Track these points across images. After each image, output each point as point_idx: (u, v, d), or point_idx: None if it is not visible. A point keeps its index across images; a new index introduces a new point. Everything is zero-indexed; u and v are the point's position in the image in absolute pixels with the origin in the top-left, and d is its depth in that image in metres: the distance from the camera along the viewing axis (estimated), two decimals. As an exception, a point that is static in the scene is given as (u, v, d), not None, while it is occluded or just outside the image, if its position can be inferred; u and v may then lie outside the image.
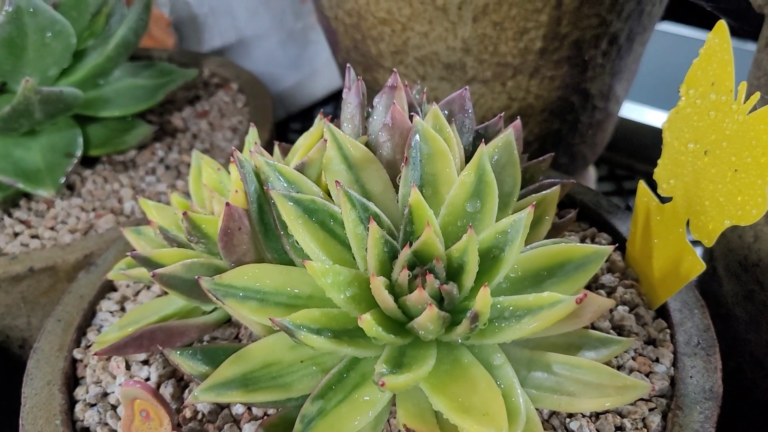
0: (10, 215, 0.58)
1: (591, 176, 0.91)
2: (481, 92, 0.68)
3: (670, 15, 1.10)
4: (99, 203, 0.59)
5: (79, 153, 0.60)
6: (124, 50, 0.61)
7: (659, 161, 0.44)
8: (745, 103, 0.37)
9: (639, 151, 0.95)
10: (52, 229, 0.57)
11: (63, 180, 0.58)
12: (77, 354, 0.42)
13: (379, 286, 0.32)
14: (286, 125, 1.06)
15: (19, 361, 0.58)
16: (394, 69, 0.41)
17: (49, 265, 0.53)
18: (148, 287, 0.46)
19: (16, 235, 0.57)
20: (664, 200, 0.43)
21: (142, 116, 0.67)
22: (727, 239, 0.56)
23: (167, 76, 0.67)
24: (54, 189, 0.57)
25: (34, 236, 0.57)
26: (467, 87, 0.41)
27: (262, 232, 0.36)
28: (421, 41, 0.65)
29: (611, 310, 0.41)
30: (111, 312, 0.45)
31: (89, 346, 0.43)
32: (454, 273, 0.34)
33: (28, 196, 0.60)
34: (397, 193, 0.37)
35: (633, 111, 0.97)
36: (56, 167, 0.58)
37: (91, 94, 0.63)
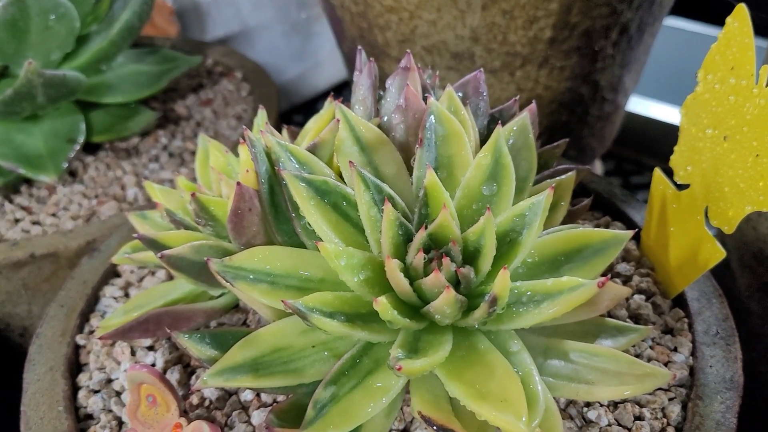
0: (11, 201, 0.57)
1: (598, 170, 0.91)
2: (489, 82, 0.67)
3: (678, 10, 1.09)
4: (101, 190, 0.58)
5: (81, 139, 0.59)
6: (128, 35, 0.60)
7: (675, 148, 0.43)
8: (767, 87, 0.36)
9: (646, 146, 0.94)
10: (53, 215, 0.56)
11: (65, 165, 0.57)
12: (80, 340, 0.41)
13: (394, 268, 0.31)
14: (289, 117, 1.05)
15: (19, 350, 0.57)
16: (408, 51, 0.40)
17: (51, 251, 0.52)
18: (153, 273, 0.45)
19: (17, 221, 0.56)
20: (680, 188, 0.42)
21: (146, 103, 0.66)
22: (742, 232, 0.55)
23: (171, 62, 0.66)
24: (56, 174, 0.56)
25: (36, 222, 0.56)
26: (482, 69, 0.40)
27: (272, 214, 0.35)
28: (429, 30, 0.64)
29: (627, 299, 0.40)
30: (115, 298, 0.44)
31: (92, 332, 0.42)
32: (470, 257, 0.33)
33: (29, 182, 0.59)
34: (410, 175, 0.37)
35: (640, 105, 0.97)
36: (58, 153, 0.57)
37: (94, 79, 0.62)
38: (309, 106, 1.07)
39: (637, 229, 0.43)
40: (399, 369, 0.28)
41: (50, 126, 0.59)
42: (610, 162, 0.96)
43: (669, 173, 0.43)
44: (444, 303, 0.31)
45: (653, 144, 0.94)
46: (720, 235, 0.62)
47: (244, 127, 0.35)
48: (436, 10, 0.62)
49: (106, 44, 0.59)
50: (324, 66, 1.03)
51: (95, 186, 0.59)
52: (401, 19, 0.64)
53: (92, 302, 0.44)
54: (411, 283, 0.32)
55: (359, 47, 0.43)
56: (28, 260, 0.52)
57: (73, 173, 0.60)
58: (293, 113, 1.06)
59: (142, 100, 0.65)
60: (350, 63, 0.76)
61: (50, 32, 0.54)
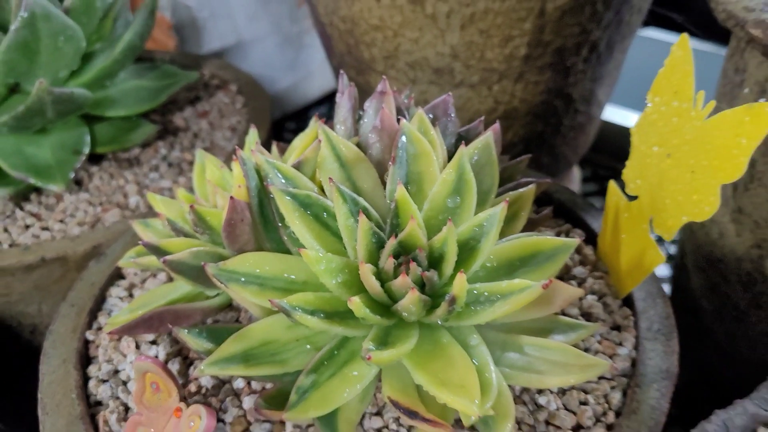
0: (21, 208, 0.62)
1: (575, 177, 0.95)
2: (468, 96, 0.72)
3: (653, 21, 1.14)
4: (105, 198, 0.63)
5: (86, 150, 0.63)
6: (131, 53, 0.65)
7: (627, 162, 0.48)
8: (702, 110, 0.41)
9: (622, 154, 0.98)
10: (61, 221, 0.61)
11: (72, 175, 0.61)
12: (90, 336, 0.46)
13: (367, 272, 0.36)
14: (281, 125, 1.09)
15: (29, 346, 0.62)
16: (384, 76, 0.45)
17: (60, 255, 0.56)
18: (155, 275, 0.50)
19: (27, 227, 0.60)
20: (631, 198, 0.46)
21: (146, 116, 0.71)
22: (696, 236, 0.60)
23: (170, 78, 0.70)
24: (63, 184, 0.60)
25: (45, 228, 0.60)
26: (450, 93, 0.45)
27: (262, 224, 0.40)
28: (412, 47, 0.69)
29: (581, 299, 0.45)
30: (120, 298, 0.49)
31: (100, 329, 0.47)
32: (435, 262, 0.38)
33: (38, 191, 0.63)
34: (385, 189, 0.41)
35: (616, 114, 1.01)
36: (65, 163, 0.61)
37: (98, 94, 0.66)
38: (301, 114, 1.11)
39: (591, 238, 0.47)
40: (369, 358, 0.33)
41: (58, 138, 0.63)
42: (588, 169, 1.01)
43: (622, 184, 0.48)
44: (410, 302, 0.35)
45: (629, 152, 0.98)
46: (680, 241, 0.67)
47: (236, 146, 0.40)
48: (418, 29, 0.66)
49: (110, 63, 0.64)
50: (315, 76, 1.08)
51: (100, 194, 0.63)
52: (386, 37, 0.69)
53: (99, 302, 0.49)
54: (382, 285, 0.37)
55: (341, 71, 0.47)
56: (39, 263, 0.56)
57: (78, 182, 0.64)
58: (286, 121, 1.11)
59: (143, 114, 0.69)
60: (338, 77, 0.81)
61: (59, 52, 0.58)
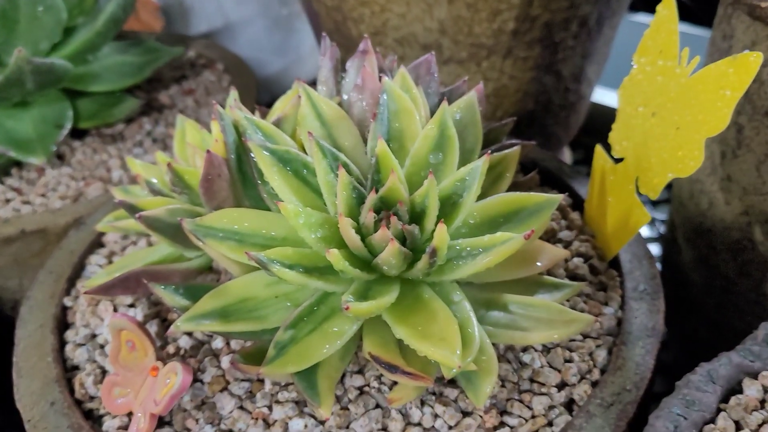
0: (2, 183, 0.61)
1: (566, 158, 0.95)
2: (457, 72, 0.71)
3: (644, 6, 1.13)
4: (88, 172, 0.62)
5: (68, 125, 0.62)
6: (113, 26, 0.64)
7: (613, 125, 0.47)
8: (687, 66, 0.40)
9: (612, 133, 0.98)
10: (42, 195, 0.60)
11: (53, 149, 0.60)
12: (67, 302, 0.45)
13: (346, 225, 0.35)
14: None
15: (10, 322, 0.61)
16: (366, 35, 0.44)
17: (40, 227, 0.55)
18: (135, 242, 0.49)
19: (8, 201, 0.59)
20: (618, 161, 0.46)
21: (131, 92, 0.70)
22: (686, 208, 0.59)
23: (154, 53, 0.69)
24: (45, 157, 0.59)
25: (26, 202, 0.59)
26: (433, 53, 0.44)
27: (240, 181, 0.39)
28: (399, 22, 0.68)
29: (567, 261, 0.44)
30: (99, 265, 0.48)
31: (79, 297, 0.46)
32: (417, 217, 0.37)
33: (19, 165, 0.62)
34: (366, 147, 0.40)
35: (609, 97, 1.01)
36: (47, 137, 0.61)
37: (81, 69, 0.65)
38: (291, 100, 1.10)
39: (578, 204, 0.47)
40: (347, 309, 0.32)
41: (39, 112, 0.62)
42: (580, 151, 1.00)
43: (610, 150, 0.47)
44: (389, 254, 0.34)
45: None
46: (669, 214, 0.66)
47: (213, 101, 0.39)
48: (405, 3, 0.66)
49: (92, 35, 0.63)
50: (306, 60, 1.07)
51: (82, 169, 0.62)
52: (373, 13, 0.68)
53: (78, 269, 0.48)
54: (363, 240, 0.36)
55: (323, 33, 0.47)
56: (18, 236, 0.55)
57: (61, 157, 0.63)
58: (275, 106, 1.10)
59: (126, 89, 0.68)
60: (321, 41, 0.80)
61: (38, 22, 0.58)
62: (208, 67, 0.78)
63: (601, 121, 0.98)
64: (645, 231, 0.86)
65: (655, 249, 0.83)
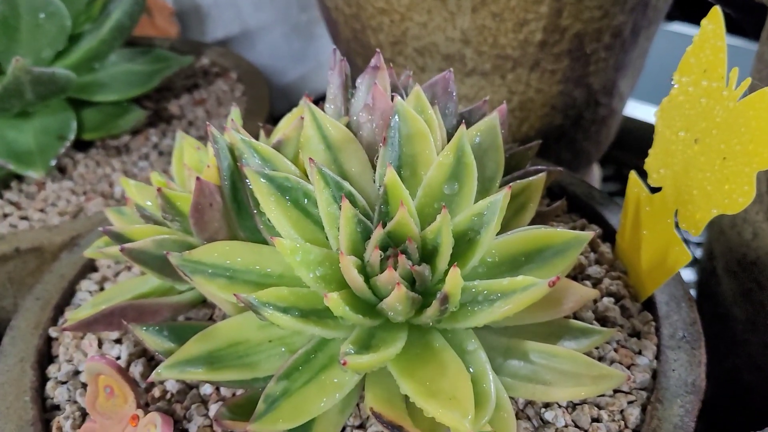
0: (1, 196, 0.58)
1: (595, 175, 0.90)
2: (480, 85, 0.67)
3: (681, 15, 1.08)
4: (90, 187, 0.59)
5: (71, 136, 0.59)
6: (119, 34, 0.61)
7: (650, 151, 0.43)
8: (736, 89, 0.36)
9: (646, 151, 0.94)
10: (41, 211, 0.57)
11: (53, 162, 0.58)
12: (53, 332, 0.42)
13: (348, 264, 0.31)
14: (289, 119, 1.05)
15: (5, 343, 0.58)
16: (378, 50, 0.40)
17: (36, 245, 0.52)
18: (129, 268, 0.46)
19: (5, 216, 0.57)
20: (654, 191, 0.42)
21: (139, 102, 0.67)
22: (727, 237, 0.55)
23: (163, 62, 0.66)
24: (44, 170, 0.56)
25: (24, 218, 0.56)
26: (451, 69, 0.41)
27: (235, 210, 0.35)
28: (420, 32, 0.64)
29: (595, 301, 0.40)
30: (90, 292, 0.45)
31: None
32: (428, 255, 0.33)
33: (19, 178, 0.60)
34: (375, 174, 0.37)
35: (641, 110, 0.96)
36: (48, 149, 0.58)
37: (86, 77, 0.62)
38: (310, 108, 1.07)
39: (609, 235, 0.43)
40: (344, 364, 0.29)
41: (41, 123, 0.59)
42: (610, 167, 0.96)
43: (645, 175, 0.43)
44: (396, 299, 0.31)
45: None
46: (708, 242, 0.62)
47: (207, 123, 0.36)
48: (427, 12, 0.62)
49: (97, 43, 0.60)
50: (325, 68, 1.04)
51: (84, 183, 0.59)
52: (393, 21, 0.65)
53: (68, 296, 0.45)
54: (367, 281, 0.32)
55: (334, 47, 0.43)
56: (13, 254, 0.52)
57: (62, 170, 0.60)
58: (294, 115, 1.07)
59: (134, 99, 0.65)
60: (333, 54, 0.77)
61: (40, 30, 0.55)
62: (221, 76, 0.75)
63: (634, 136, 0.94)
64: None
65: (688, 275, 0.78)
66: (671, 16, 1.07)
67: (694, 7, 1.03)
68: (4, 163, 0.56)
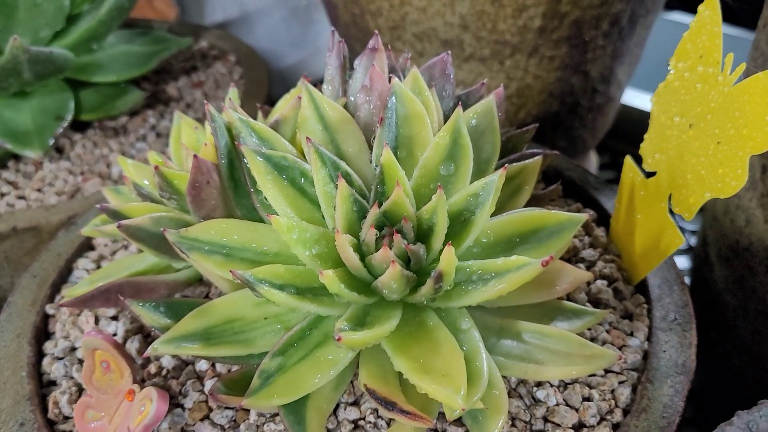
0: (-1, 176, 0.59)
1: (592, 162, 0.90)
2: (478, 71, 0.67)
3: (680, 4, 1.08)
4: (87, 167, 0.59)
5: (69, 116, 0.59)
6: (117, 15, 0.61)
7: (645, 135, 0.43)
8: (730, 74, 0.36)
9: (642, 140, 0.94)
10: (38, 190, 0.57)
11: (51, 142, 0.58)
12: (50, 309, 0.42)
13: (343, 242, 0.31)
14: (287, 103, 1.05)
15: (2, 322, 0.58)
16: (375, 31, 0.40)
17: (33, 225, 0.53)
18: (126, 246, 0.46)
19: (2, 195, 0.57)
20: (649, 175, 0.42)
21: (137, 83, 0.67)
22: (720, 223, 0.55)
23: (161, 43, 0.66)
24: (41, 150, 0.56)
25: (21, 197, 0.57)
26: (449, 51, 0.41)
27: (232, 188, 0.36)
28: (419, 16, 0.64)
29: (589, 283, 0.40)
30: (87, 270, 0.45)
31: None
32: (423, 235, 0.34)
33: (17, 158, 0.60)
34: (372, 155, 0.37)
35: (638, 99, 0.96)
36: (45, 129, 0.58)
37: (84, 58, 0.62)
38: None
39: (604, 219, 0.43)
40: (339, 340, 0.29)
41: (39, 103, 0.59)
42: (606, 155, 0.96)
43: (640, 161, 0.43)
44: (390, 278, 0.31)
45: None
46: (701, 229, 0.62)
47: (205, 102, 0.36)
48: (426, -4, 0.62)
49: (95, 23, 0.60)
50: (323, 53, 1.03)
51: (81, 163, 0.59)
52: (392, 6, 0.65)
53: (65, 274, 0.45)
54: (362, 259, 0.33)
55: (332, 29, 0.43)
56: (10, 233, 0.53)
57: (60, 150, 0.61)
58: (292, 100, 1.06)
59: (133, 80, 0.65)
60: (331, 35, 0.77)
61: (38, 9, 0.55)
62: (219, 59, 0.75)
63: (630, 124, 0.94)
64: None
65: (683, 261, 0.79)
66: (670, 6, 1.07)
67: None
68: (2, 142, 0.56)
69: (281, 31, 0.97)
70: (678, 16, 1.11)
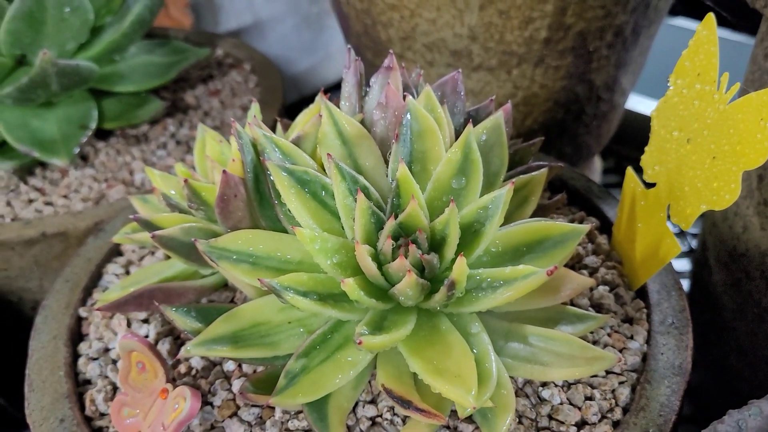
0: (25, 182, 0.61)
1: (596, 167, 0.93)
2: (486, 80, 0.69)
3: (684, 10, 1.10)
4: (111, 174, 0.62)
5: (93, 125, 0.62)
6: (139, 27, 0.63)
7: (646, 148, 0.46)
8: (726, 93, 0.39)
9: (646, 144, 0.96)
10: (65, 197, 0.60)
11: (77, 150, 0.60)
12: (83, 312, 0.45)
13: (362, 252, 0.34)
14: (299, 108, 1.08)
15: (30, 323, 0.61)
16: (391, 51, 0.43)
17: (61, 230, 0.55)
18: (153, 252, 0.48)
19: (30, 201, 0.59)
20: (649, 186, 0.44)
21: (156, 92, 0.70)
22: (719, 229, 0.57)
23: (180, 54, 0.69)
24: (68, 158, 0.59)
25: (48, 203, 0.59)
26: (460, 70, 0.43)
27: (257, 201, 0.38)
28: (429, 28, 0.67)
29: (591, 289, 0.43)
30: (116, 275, 0.47)
31: (94, 305, 0.45)
32: (436, 245, 0.36)
33: (43, 165, 0.62)
34: (388, 168, 0.39)
35: (641, 104, 0.98)
36: (71, 138, 0.60)
37: (107, 69, 0.65)
38: (319, 98, 1.09)
39: (606, 227, 0.45)
40: (359, 343, 0.31)
41: (64, 112, 0.62)
42: (610, 160, 0.98)
43: (642, 172, 0.45)
44: (406, 285, 0.33)
45: (652, 142, 0.95)
46: (701, 234, 0.64)
47: (232, 119, 0.38)
48: (436, 9, 0.64)
49: (119, 36, 0.62)
50: (334, 59, 1.06)
51: (105, 170, 0.62)
52: (402, 17, 0.67)
53: (95, 278, 0.47)
54: (380, 268, 0.35)
55: (348, 46, 0.46)
56: (39, 238, 0.55)
57: (84, 158, 0.63)
58: (303, 104, 1.08)
59: (152, 90, 0.68)
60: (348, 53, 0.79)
61: (65, 23, 0.57)
62: (235, 67, 0.78)
63: (634, 129, 0.96)
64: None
65: (684, 265, 0.81)
66: (674, 12, 1.09)
67: (696, 3, 1.05)
68: (30, 150, 0.59)
69: (293, 38, 1.00)
70: (681, 22, 1.13)
